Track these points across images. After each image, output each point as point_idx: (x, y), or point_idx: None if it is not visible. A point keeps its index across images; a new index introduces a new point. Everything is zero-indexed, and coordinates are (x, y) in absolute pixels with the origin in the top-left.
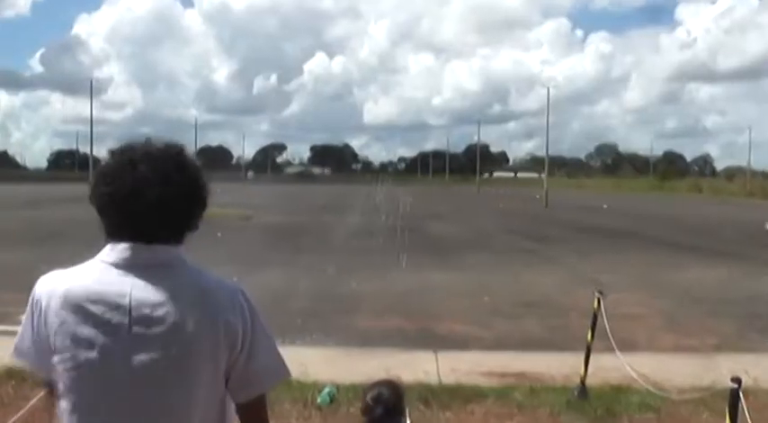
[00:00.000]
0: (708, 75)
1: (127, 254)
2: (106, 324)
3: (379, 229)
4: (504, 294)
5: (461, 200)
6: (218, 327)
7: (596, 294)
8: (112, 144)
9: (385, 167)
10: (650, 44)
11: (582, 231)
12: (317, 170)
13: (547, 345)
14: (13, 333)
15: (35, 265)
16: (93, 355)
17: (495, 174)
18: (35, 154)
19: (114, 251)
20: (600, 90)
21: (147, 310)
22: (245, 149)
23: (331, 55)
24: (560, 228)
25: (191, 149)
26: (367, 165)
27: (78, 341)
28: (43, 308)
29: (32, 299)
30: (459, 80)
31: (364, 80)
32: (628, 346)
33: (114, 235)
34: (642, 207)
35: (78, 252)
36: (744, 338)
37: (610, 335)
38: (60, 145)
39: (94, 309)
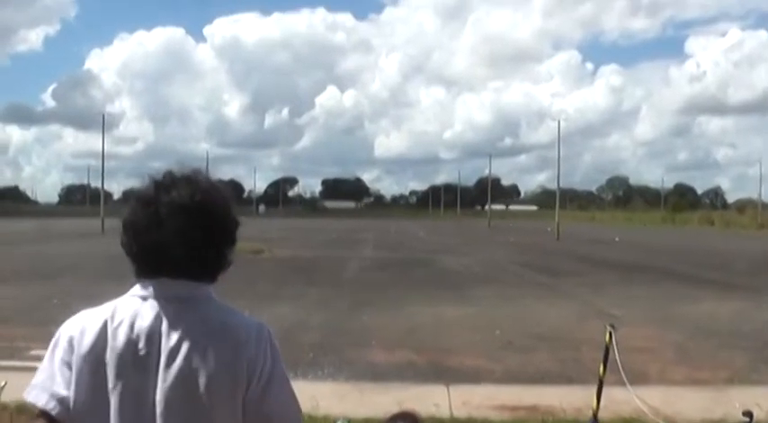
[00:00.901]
0: (718, 107)
1: (155, 289)
2: (136, 356)
3: (390, 262)
4: (516, 328)
5: (472, 233)
6: (240, 363)
7: (608, 328)
8: (124, 178)
9: (396, 201)
10: (660, 77)
11: (594, 264)
12: (331, 204)
13: (559, 378)
14: (25, 368)
15: (46, 300)
16: (120, 387)
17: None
18: (46, 188)
19: (143, 287)
20: (611, 123)
21: (173, 344)
22: (256, 183)
23: (342, 89)
24: (572, 261)
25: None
26: (379, 198)
27: (107, 374)
28: (74, 346)
29: (59, 338)
30: (470, 113)
31: (376, 113)
32: (639, 379)
33: (143, 275)
34: (654, 240)
35: (89, 287)
36: (756, 371)
37: (621, 368)
38: (71, 179)
39: (126, 342)
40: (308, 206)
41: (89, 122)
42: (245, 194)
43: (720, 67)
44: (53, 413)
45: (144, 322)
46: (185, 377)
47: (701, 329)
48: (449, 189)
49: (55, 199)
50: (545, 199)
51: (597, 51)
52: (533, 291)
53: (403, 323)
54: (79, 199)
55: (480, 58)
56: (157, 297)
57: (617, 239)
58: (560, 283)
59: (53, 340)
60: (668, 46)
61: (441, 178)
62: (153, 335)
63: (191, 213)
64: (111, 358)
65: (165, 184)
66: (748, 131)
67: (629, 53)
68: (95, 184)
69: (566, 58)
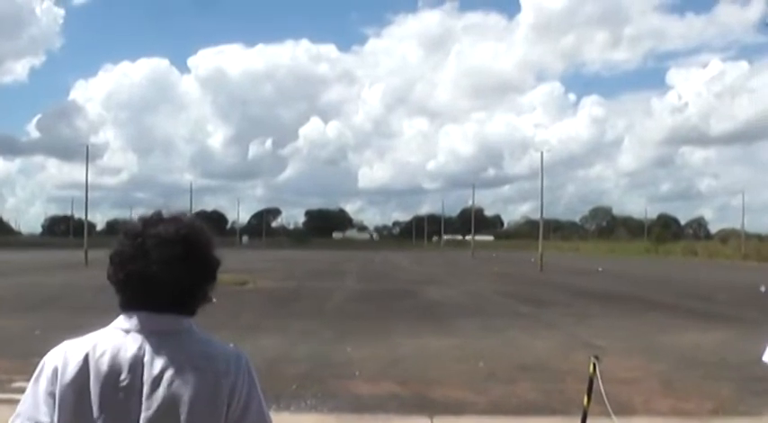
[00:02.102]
0: (700, 138)
1: (138, 321)
2: (119, 386)
3: (374, 293)
4: (500, 359)
5: (456, 263)
6: (221, 391)
7: (592, 359)
8: (108, 209)
9: (380, 231)
10: (642, 108)
11: (577, 295)
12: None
13: (543, 409)
14: (7, 401)
15: (29, 332)
16: (104, 417)
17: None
18: (30, 219)
19: (127, 319)
20: (593, 153)
21: (155, 374)
22: (239, 214)
23: (326, 120)
24: (556, 291)
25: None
26: (362, 229)
27: (92, 403)
28: (58, 376)
29: (42, 368)
30: (453, 144)
31: (359, 144)
32: (624, 410)
33: (127, 307)
34: (637, 270)
35: (72, 318)
36: (741, 402)
37: (606, 399)
38: (55, 210)
39: (108, 372)
40: (294, 238)
41: (73, 153)
42: (229, 225)
43: (702, 98)
44: None
45: (127, 354)
46: (168, 406)
47: (685, 360)
48: (432, 219)
49: (38, 230)
50: (528, 229)
51: (579, 82)
52: (517, 321)
53: (387, 354)
54: (63, 230)
55: (463, 89)
56: (140, 330)
57: (600, 270)
58: (544, 314)
59: (37, 370)
60: (650, 77)
61: (424, 209)
62: (136, 366)
63: (174, 246)
64: (94, 388)
65: (152, 221)
66: (731, 162)
67: (611, 84)
68: (79, 214)
69: (548, 89)
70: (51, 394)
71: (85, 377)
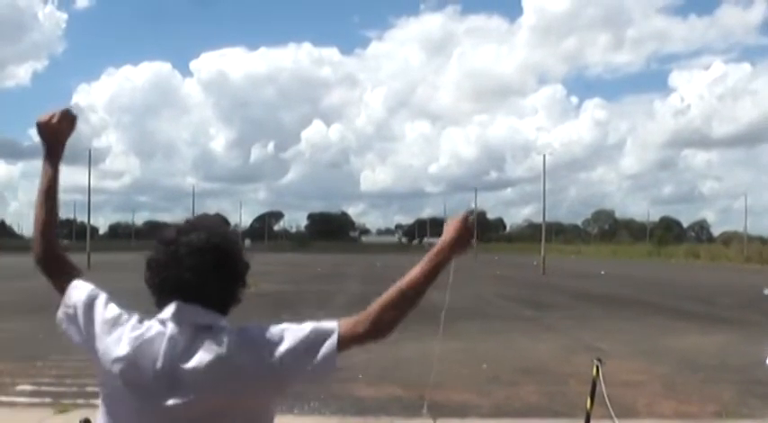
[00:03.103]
0: (703, 141)
1: (172, 311)
2: (153, 372)
3: (376, 296)
4: (503, 362)
5: (458, 267)
6: (241, 378)
7: (595, 362)
8: (110, 213)
9: (381, 234)
10: (645, 110)
11: (580, 298)
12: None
13: (546, 412)
14: (11, 404)
15: (32, 335)
16: (130, 395)
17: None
18: (32, 224)
19: (164, 313)
20: (596, 156)
21: (190, 363)
22: (242, 217)
23: (328, 123)
24: (558, 294)
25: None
26: (364, 232)
27: (118, 376)
28: (111, 344)
29: (105, 322)
30: (455, 147)
31: (361, 148)
32: (627, 412)
33: (163, 305)
34: (640, 273)
35: None
36: (744, 405)
37: (608, 402)
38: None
39: (145, 358)
40: (296, 241)
41: (75, 157)
42: (231, 229)
43: (704, 100)
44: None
45: (162, 343)
46: (200, 394)
47: (688, 363)
48: (434, 223)
49: None
50: (530, 232)
51: (582, 85)
52: (520, 325)
53: (389, 357)
54: (65, 234)
55: (465, 92)
56: (177, 322)
57: (603, 273)
58: (547, 317)
59: (107, 303)
60: (652, 80)
61: (426, 212)
62: (171, 354)
63: (206, 254)
64: (131, 369)
65: (185, 229)
66: (733, 164)
67: (613, 87)
68: (81, 218)
69: (550, 92)
70: (90, 323)
71: (132, 356)
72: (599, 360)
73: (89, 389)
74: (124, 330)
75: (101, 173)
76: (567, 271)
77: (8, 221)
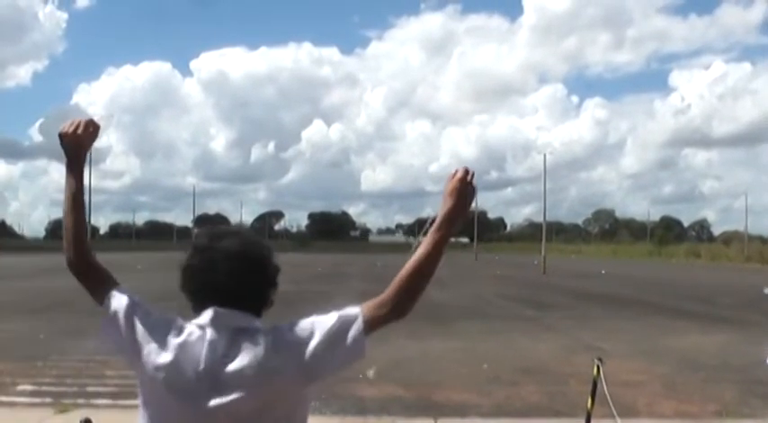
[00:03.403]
0: (703, 140)
1: (210, 316)
2: (187, 372)
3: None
4: (504, 361)
5: (459, 266)
6: (283, 379)
7: (596, 361)
8: (110, 213)
9: (383, 234)
10: (645, 110)
11: (580, 298)
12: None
13: (546, 412)
14: (12, 404)
15: (32, 335)
16: (172, 399)
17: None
18: (33, 223)
19: (202, 317)
20: (596, 156)
21: (230, 365)
22: (242, 217)
23: (328, 123)
24: (558, 294)
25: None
26: (365, 232)
27: (161, 382)
28: (151, 347)
29: (149, 328)
30: (455, 147)
31: (362, 147)
32: (628, 412)
33: (199, 310)
34: (640, 273)
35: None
36: (745, 404)
37: (610, 401)
38: (58, 214)
39: (186, 362)
40: (297, 241)
41: None
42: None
43: (705, 99)
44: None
45: (203, 346)
46: (240, 395)
47: (688, 363)
48: (435, 222)
49: (42, 234)
50: (531, 232)
51: (582, 85)
52: (520, 324)
53: (390, 357)
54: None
55: (466, 91)
56: (216, 326)
57: (603, 272)
58: (547, 317)
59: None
60: (652, 79)
61: (427, 211)
62: (212, 357)
63: (239, 258)
64: (174, 373)
65: (218, 236)
66: (734, 164)
67: (613, 86)
68: None
69: (551, 91)
70: (135, 336)
71: (175, 357)
72: (599, 360)
73: (89, 389)
74: (166, 337)
75: (101, 173)
76: (568, 270)
77: (8, 221)
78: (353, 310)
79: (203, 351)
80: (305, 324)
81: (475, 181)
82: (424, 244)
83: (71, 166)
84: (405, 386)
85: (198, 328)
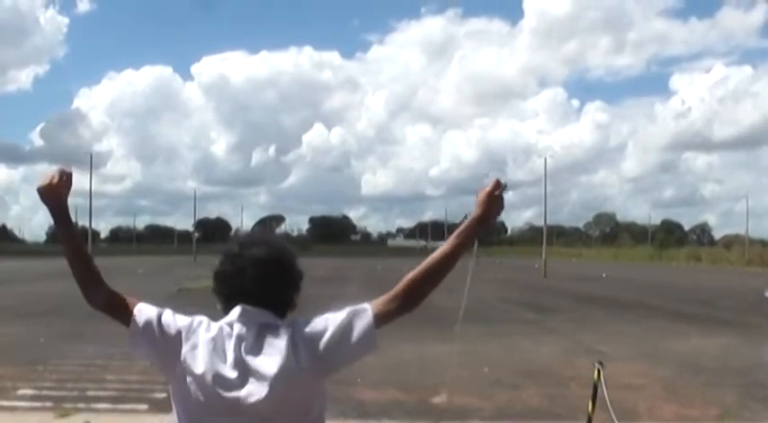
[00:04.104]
0: (704, 144)
1: (238, 312)
2: (218, 364)
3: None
4: (505, 365)
5: (459, 270)
6: (301, 371)
7: (596, 365)
8: (111, 217)
9: (383, 238)
10: (646, 113)
11: (581, 301)
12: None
13: (547, 415)
14: (12, 408)
15: (33, 340)
16: (207, 391)
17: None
18: (34, 227)
19: (231, 315)
20: (597, 159)
21: (248, 357)
22: (243, 221)
23: (329, 126)
24: (559, 297)
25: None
26: (366, 236)
27: (195, 375)
28: (184, 336)
29: (181, 330)
30: (456, 150)
31: (362, 151)
32: (628, 416)
33: (229, 310)
34: (641, 276)
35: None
36: (745, 408)
37: (610, 405)
38: None
39: (214, 354)
40: (297, 245)
41: (77, 161)
42: (233, 233)
43: (705, 103)
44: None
45: (231, 340)
46: (264, 387)
47: (689, 366)
48: (436, 226)
49: (43, 238)
50: (531, 236)
51: (583, 88)
52: (521, 328)
53: (390, 360)
54: None
55: (466, 95)
56: (244, 322)
57: (604, 276)
58: (548, 320)
59: (177, 315)
60: (653, 82)
61: (428, 215)
62: (238, 350)
63: (266, 265)
64: (205, 365)
65: (247, 243)
66: (734, 167)
67: (614, 90)
68: (83, 222)
69: (551, 95)
70: (167, 338)
71: (204, 352)
72: (600, 363)
73: (90, 393)
74: (198, 338)
75: (102, 177)
76: (569, 274)
77: (9, 226)
78: (364, 305)
79: (231, 345)
80: (319, 319)
81: (505, 193)
82: (445, 245)
83: (60, 221)
84: (405, 390)
85: (227, 325)
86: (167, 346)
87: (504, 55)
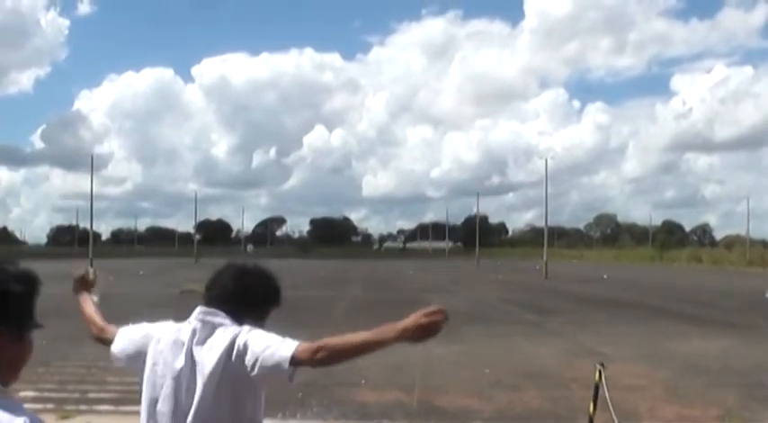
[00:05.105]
0: (705, 144)
1: (197, 312)
2: (176, 354)
3: (377, 302)
4: (506, 366)
5: (460, 272)
6: (230, 359)
7: (597, 366)
8: (112, 219)
9: (384, 240)
10: (647, 114)
11: (582, 302)
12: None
13: (548, 416)
14: None
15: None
16: (166, 371)
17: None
18: (35, 229)
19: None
20: (598, 160)
21: (195, 345)
22: (244, 223)
23: (330, 128)
24: (561, 299)
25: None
26: (366, 237)
27: (159, 363)
28: (153, 342)
29: (149, 334)
30: (457, 152)
31: (363, 153)
32: (630, 417)
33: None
34: (642, 277)
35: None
36: (746, 408)
37: (611, 406)
38: (60, 220)
39: (173, 345)
40: (298, 246)
41: (78, 163)
42: (234, 234)
43: (706, 103)
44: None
45: (185, 333)
46: (200, 368)
47: (690, 367)
48: (437, 227)
49: (44, 240)
50: (533, 237)
51: (584, 89)
52: (522, 329)
53: (391, 362)
54: (68, 240)
55: (467, 96)
56: (200, 319)
57: (605, 277)
58: (549, 322)
59: (147, 323)
60: (654, 83)
61: (428, 217)
62: (187, 340)
63: (250, 287)
64: (165, 356)
65: (224, 268)
66: (736, 168)
67: (615, 91)
68: (84, 224)
69: (552, 96)
70: (141, 348)
71: (164, 347)
72: (601, 364)
73: (91, 395)
74: (166, 334)
75: (103, 179)
76: (570, 275)
77: (10, 228)
78: (291, 344)
79: (188, 336)
80: (258, 334)
81: (441, 326)
82: (367, 334)
83: (82, 301)
84: (406, 391)
85: (188, 323)
86: (138, 354)
87: (504, 56)
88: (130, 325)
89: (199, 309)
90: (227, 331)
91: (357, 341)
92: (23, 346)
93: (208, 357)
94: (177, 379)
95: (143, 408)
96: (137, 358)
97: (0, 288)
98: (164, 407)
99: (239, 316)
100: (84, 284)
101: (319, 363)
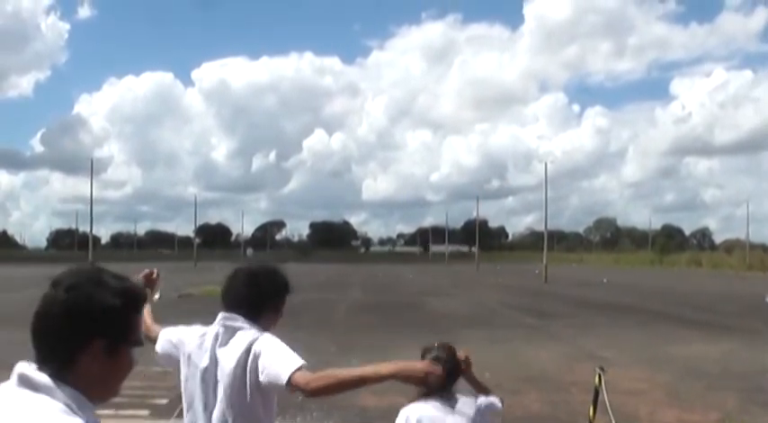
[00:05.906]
0: (704, 148)
1: (219, 318)
2: (202, 355)
3: (378, 305)
4: (506, 370)
5: (460, 276)
6: (245, 363)
7: (597, 370)
8: (112, 223)
9: (384, 244)
10: (646, 118)
11: (582, 306)
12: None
13: (548, 420)
14: None
15: (25, 345)
16: (195, 371)
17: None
18: (35, 233)
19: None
20: (597, 164)
21: (220, 348)
22: (244, 227)
23: (330, 132)
24: (560, 303)
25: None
26: (366, 241)
27: (190, 363)
28: (185, 344)
29: (183, 337)
30: (457, 156)
31: (363, 157)
32: (629, 420)
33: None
34: (642, 281)
35: None
36: (746, 412)
37: (610, 410)
38: (60, 224)
39: (200, 348)
40: (298, 250)
41: (77, 167)
42: (233, 238)
43: (706, 107)
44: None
45: (210, 337)
46: (223, 368)
47: (690, 371)
48: (436, 231)
49: (43, 244)
50: (532, 241)
51: (583, 93)
52: (522, 333)
53: None
54: (68, 243)
55: (466, 100)
56: (222, 324)
57: (605, 281)
58: (549, 325)
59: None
60: (653, 87)
61: (428, 221)
62: (213, 343)
63: (259, 286)
64: (195, 358)
65: (238, 270)
66: (735, 172)
67: (614, 95)
68: (84, 228)
69: (552, 100)
70: (180, 350)
71: (193, 349)
72: (601, 368)
73: None
74: (196, 337)
75: (102, 183)
76: (570, 279)
77: (10, 232)
78: (294, 364)
79: (211, 340)
80: (272, 345)
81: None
82: (366, 369)
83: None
84: (407, 395)
85: (213, 326)
86: (178, 353)
87: (504, 60)
88: (170, 327)
89: (221, 315)
90: (246, 335)
91: (354, 377)
92: (118, 363)
93: (228, 358)
94: (204, 378)
95: (184, 403)
96: (172, 359)
97: (99, 301)
98: (197, 403)
99: (258, 314)
100: (148, 283)
101: (312, 393)
